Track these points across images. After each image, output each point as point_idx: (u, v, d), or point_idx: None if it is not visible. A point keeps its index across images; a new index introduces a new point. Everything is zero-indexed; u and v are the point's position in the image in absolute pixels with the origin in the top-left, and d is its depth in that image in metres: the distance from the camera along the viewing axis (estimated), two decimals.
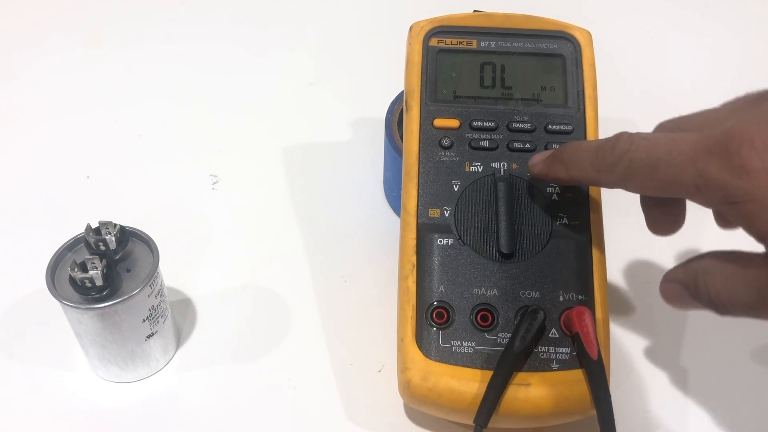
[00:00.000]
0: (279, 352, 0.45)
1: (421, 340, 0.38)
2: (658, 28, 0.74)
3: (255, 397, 0.42)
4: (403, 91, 0.44)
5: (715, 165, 0.30)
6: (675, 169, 0.32)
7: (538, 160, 0.40)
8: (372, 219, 0.53)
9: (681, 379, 0.44)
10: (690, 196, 0.32)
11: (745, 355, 0.45)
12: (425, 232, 0.40)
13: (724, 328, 0.46)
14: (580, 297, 0.39)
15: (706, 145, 0.31)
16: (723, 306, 0.32)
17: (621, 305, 0.48)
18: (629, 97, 0.64)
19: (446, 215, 0.41)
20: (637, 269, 0.50)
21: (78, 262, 0.38)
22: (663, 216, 0.39)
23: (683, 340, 0.46)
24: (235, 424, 0.41)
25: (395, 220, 0.45)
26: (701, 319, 0.47)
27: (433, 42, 0.45)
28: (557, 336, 0.38)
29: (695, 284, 0.34)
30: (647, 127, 0.61)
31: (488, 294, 0.39)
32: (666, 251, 0.51)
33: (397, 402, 0.42)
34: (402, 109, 0.46)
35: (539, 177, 0.40)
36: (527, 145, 0.42)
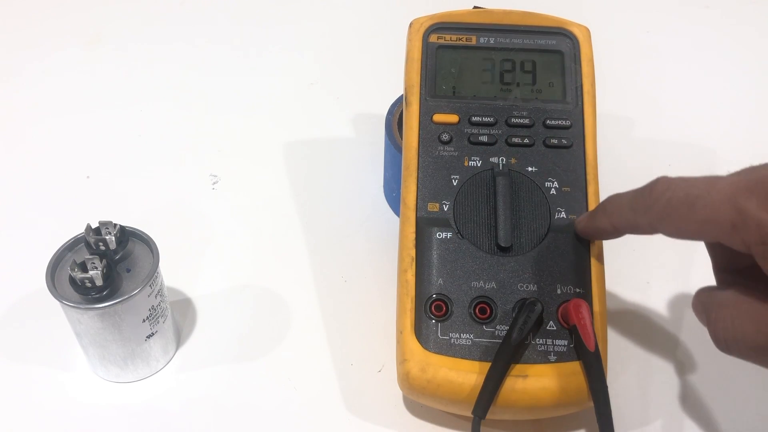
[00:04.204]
0: (279, 352, 0.45)
1: (419, 332, 0.38)
2: (657, 28, 0.74)
3: (255, 397, 0.42)
4: (403, 94, 0.44)
5: (753, 203, 0.30)
6: (712, 207, 0.31)
7: (582, 218, 0.40)
8: (372, 219, 0.53)
9: (678, 372, 0.44)
10: (725, 236, 0.31)
11: None
12: (424, 225, 0.41)
13: None
14: (577, 290, 0.39)
15: (746, 184, 0.30)
16: (725, 341, 0.32)
17: (619, 298, 0.48)
18: (629, 95, 0.65)
19: (445, 209, 0.41)
20: (635, 264, 0.50)
21: (78, 262, 0.37)
22: None
23: (680, 333, 0.46)
24: (236, 424, 0.41)
25: (395, 220, 0.45)
26: None
27: (433, 38, 0.45)
28: (555, 328, 0.38)
29: (708, 312, 0.33)
30: (645, 124, 0.61)
31: (486, 287, 0.39)
32: (665, 248, 0.50)
33: (397, 400, 0.42)
34: (402, 110, 0.46)
35: (583, 232, 0.40)
36: (526, 140, 0.42)
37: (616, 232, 0.38)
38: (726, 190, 0.31)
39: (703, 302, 0.34)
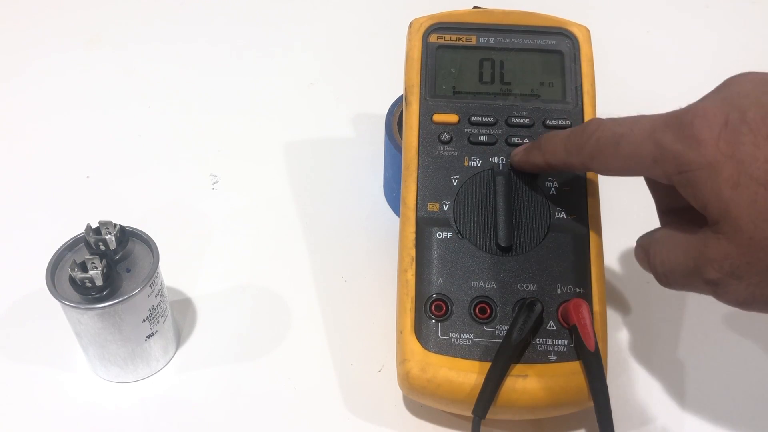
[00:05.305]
0: (279, 352, 0.45)
1: (420, 332, 0.38)
2: (658, 28, 0.74)
3: (255, 397, 0.42)
4: (403, 94, 0.44)
5: (669, 136, 0.32)
6: (635, 144, 0.33)
7: (518, 150, 0.41)
8: (372, 219, 0.53)
9: (677, 371, 0.44)
10: (648, 170, 0.33)
11: (742, 346, 0.45)
12: (424, 225, 0.41)
13: (720, 320, 0.46)
14: (577, 290, 0.39)
15: (664, 120, 0.32)
16: (664, 274, 0.34)
17: (619, 298, 0.48)
18: (629, 96, 0.64)
19: (445, 209, 0.41)
20: (635, 264, 0.50)
21: (78, 262, 0.37)
22: None
23: (680, 333, 0.46)
24: (235, 425, 0.41)
25: (395, 220, 0.45)
26: (698, 311, 0.47)
27: (433, 38, 0.45)
28: (555, 328, 0.38)
29: (647, 252, 0.36)
30: None
31: (486, 287, 0.39)
32: None
33: (397, 400, 0.42)
34: (402, 110, 0.46)
35: (519, 165, 0.41)
36: (526, 140, 0.42)
37: (549, 168, 0.40)
38: (647, 127, 0.33)
39: (642, 245, 0.37)
